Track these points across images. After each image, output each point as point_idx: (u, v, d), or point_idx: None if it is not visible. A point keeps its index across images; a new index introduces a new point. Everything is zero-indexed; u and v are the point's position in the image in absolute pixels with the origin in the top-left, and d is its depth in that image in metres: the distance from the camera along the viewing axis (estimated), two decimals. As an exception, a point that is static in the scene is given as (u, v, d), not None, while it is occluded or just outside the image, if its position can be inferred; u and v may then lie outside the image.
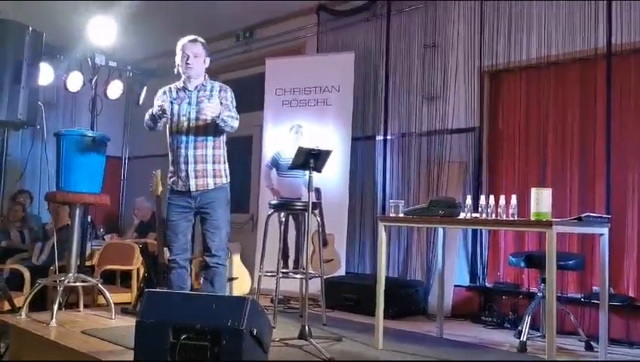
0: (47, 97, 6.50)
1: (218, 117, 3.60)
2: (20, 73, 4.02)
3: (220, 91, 3.83)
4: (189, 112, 3.76)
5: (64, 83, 6.33)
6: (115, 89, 6.72)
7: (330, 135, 5.93)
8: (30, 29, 4.10)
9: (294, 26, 6.92)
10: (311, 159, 3.75)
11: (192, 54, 3.78)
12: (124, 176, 8.97)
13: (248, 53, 7.48)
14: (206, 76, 3.89)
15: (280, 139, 5.98)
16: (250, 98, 7.55)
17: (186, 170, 3.72)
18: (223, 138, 3.84)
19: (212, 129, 3.72)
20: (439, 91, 5.61)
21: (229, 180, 3.86)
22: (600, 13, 4.63)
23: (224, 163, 3.84)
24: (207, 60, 3.87)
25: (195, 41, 3.83)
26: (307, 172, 3.83)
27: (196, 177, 3.72)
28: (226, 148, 3.87)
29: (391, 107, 5.97)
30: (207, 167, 3.74)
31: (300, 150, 3.77)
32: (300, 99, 6.21)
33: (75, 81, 6.38)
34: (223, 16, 7.01)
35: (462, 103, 5.44)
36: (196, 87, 3.82)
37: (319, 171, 3.86)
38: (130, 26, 6.17)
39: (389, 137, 5.95)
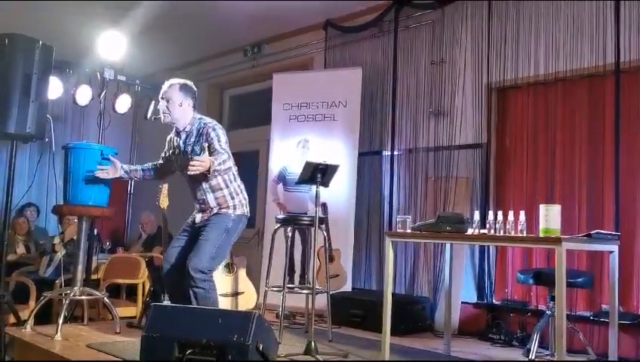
0: (55, 111, 6.55)
1: (209, 172, 3.48)
2: (29, 87, 4.04)
3: (201, 136, 3.69)
4: (182, 161, 3.76)
5: (73, 97, 6.37)
6: (123, 103, 6.75)
7: (337, 150, 5.93)
8: (40, 43, 4.13)
9: (302, 42, 6.96)
10: (318, 174, 3.75)
11: (164, 100, 3.74)
12: (130, 190, 8.98)
13: (256, 68, 7.51)
14: (195, 117, 3.79)
15: (287, 153, 5.98)
16: (257, 113, 7.59)
17: (195, 207, 3.81)
18: (223, 175, 3.71)
19: (203, 178, 3.63)
20: (446, 107, 5.61)
21: (239, 213, 3.74)
22: (608, 29, 4.63)
23: (232, 198, 3.72)
24: (188, 102, 3.75)
25: (171, 85, 3.76)
26: (314, 187, 3.82)
27: (201, 211, 3.76)
28: (236, 184, 3.77)
29: (398, 122, 5.97)
30: (208, 197, 3.71)
31: (308, 165, 3.77)
32: (307, 114, 6.22)
33: (83, 95, 6.42)
34: (231, 32, 7.07)
35: (469, 119, 5.44)
36: (185, 133, 3.78)
37: (326, 186, 3.85)
38: (139, 41, 6.24)
39: (396, 152, 5.95)
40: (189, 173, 3.44)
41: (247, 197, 3.85)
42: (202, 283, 3.55)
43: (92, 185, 4.07)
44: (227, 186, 3.73)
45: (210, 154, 3.55)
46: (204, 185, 3.69)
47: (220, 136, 3.66)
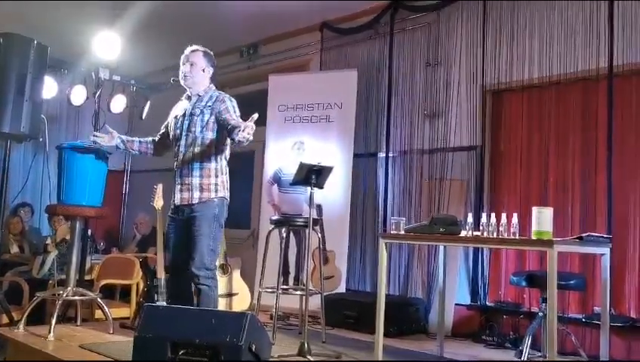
0: (50, 110, 6.54)
1: (204, 159, 3.54)
2: (23, 86, 4.04)
3: (215, 102, 3.68)
4: (182, 123, 3.72)
5: (68, 96, 6.35)
6: (118, 103, 6.74)
7: (332, 151, 5.94)
8: (35, 42, 4.13)
9: (298, 43, 6.96)
10: (312, 175, 3.75)
11: (188, 63, 3.76)
12: (125, 190, 8.97)
13: (252, 69, 7.51)
14: (210, 86, 3.81)
15: (282, 155, 5.99)
16: (252, 114, 7.57)
17: (174, 183, 3.69)
18: (218, 151, 3.67)
19: (202, 141, 3.63)
20: (441, 109, 5.63)
21: (220, 195, 3.64)
22: (602, 33, 4.65)
23: (216, 176, 3.64)
24: (209, 70, 3.79)
25: (195, 50, 3.80)
26: (309, 188, 3.83)
27: (181, 191, 3.63)
28: (224, 163, 3.73)
29: (393, 124, 5.98)
30: (193, 181, 3.60)
31: (302, 166, 3.77)
32: (302, 115, 6.23)
33: (78, 95, 6.40)
34: (227, 32, 7.06)
35: (464, 121, 5.45)
36: (195, 96, 3.76)
37: (321, 187, 3.86)
38: (134, 41, 6.23)
39: (390, 154, 5.96)
40: (241, 139, 3.31)
41: (229, 181, 3.76)
42: (206, 280, 3.55)
43: (86, 185, 4.06)
44: (218, 175, 3.66)
45: (224, 127, 3.56)
46: (196, 163, 3.62)
47: (235, 107, 3.69)
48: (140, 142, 4.00)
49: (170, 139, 3.84)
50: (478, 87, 5.38)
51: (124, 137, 3.96)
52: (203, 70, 3.78)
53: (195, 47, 3.83)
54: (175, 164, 3.73)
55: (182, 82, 3.80)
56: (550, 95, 5.02)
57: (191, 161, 3.64)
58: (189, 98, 3.81)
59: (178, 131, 3.74)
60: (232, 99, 3.75)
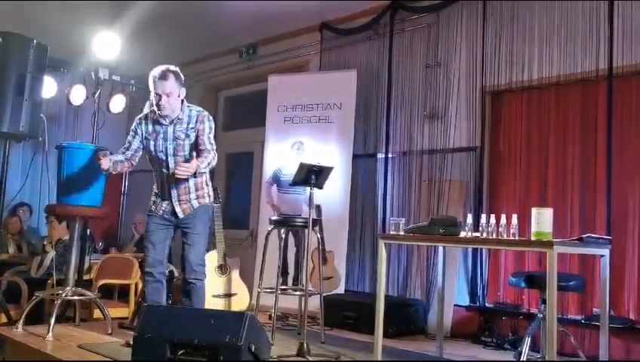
0: (49, 110, 6.52)
1: (195, 173, 3.64)
2: (23, 86, 4.04)
3: (196, 122, 3.74)
4: (166, 148, 3.76)
5: (67, 96, 6.35)
6: (117, 103, 6.73)
7: (331, 152, 5.94)
8: (35, 42, 4.13)
9: (297, 44, 6.96)
10: (312, 175, 3.75)
11: (163, 94, 3.64)
12: (124, 191, 8.96)
13: (251, 70, 7.51)
14: (183, 104, 3.78)
15: (281, 155, 5.99)
16: (252, 114, 7.58)
17: (171, 202, 3.79)
18: None
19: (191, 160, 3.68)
20: (441, 110, 5.62)
21: (211, 200, 3.96)
22: (602, 34, 4.65)
23: (206, 185, 3.89)
24: (182, 91, 3.75)
25: (164, 77, 3.63)
26: (308, 188, 3.83)
27: (180, 204, 3.80)
28: (207, 172, 3.85)
29: (392, 125, 5.98)
30: (191, 196, 3.81)
31: (302, 166, 3.77)
32: (301, 116, 6.23)
33: (78, 95, 6.39)
34: (226, 32, 7.06)
35: (463, 122, 5.45)
36: (172, 120, 3.75)
37: (320, 188, 3.86)
38: (134, 41, 6.22)
39: (390, 155, 5.96)
40: (177, 176, 3.57)
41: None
42: (202, 275, 3.77)
43: (85, 185, 4.05)
44: (207, 184, 3.91)
45: (197, 149, 3.68)
46: (190, 181, 3.76)
47: (212, 128, 3.80)
48: (122, 161, 3.86)
49: (149, 159, 3.89)
50: (478, 88, 5.38)
51: (114, 160, 3.81)
52: (179, 95, 3.74)
53: (162, 71, 3.65)
54: (160, 183, 3.82)
55: (158, 113, 3.73)
56: (550, 96, 5.03)
57: (185, 181, 3.75)
58: (159, 123, 3.76)
59: (162, 155, 3.78)
60: (211, 119, 3.83)
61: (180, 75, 3.77)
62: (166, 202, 3.80)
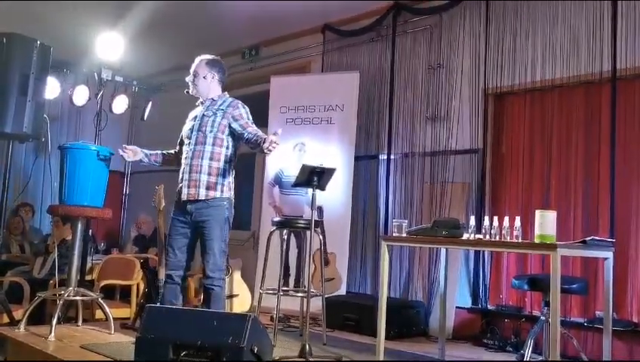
0: (52, 111, 6.53)
1: (211, 156, 3.66)
2: (26, 86, 4.04)
3: (228, 106, 3.79)
4: (193, 126, 3.79)
5: (70, 97, 6.37)
6: (120, 104, 6.75)
7: (333, 153, 5.94)
8: (38, 42, 4.13)
9: (300, 45, 6.97)
10: (315, 177, 3.75)
11: (192, 74, 3.88)
12: (126, 191, 8.97)
13: (254, 71, 7.52)
14: (225, 93, 3.91)
15: (283, 156, 5.98)
16: (254, 115, 7.55)
17: (181, 179, 3.74)
18: (227, 152, 3.73)
19: (213, 141, 3.70)
20: (443, 112, 5.62)
21: (227, 196, 3.70)
22: (605, 37, 4.65)
23: (223, 177, 3.69)
24: (214, 75, 3.86)
25: (199, 59, 3.90)
26: (310, 190, 3.82)
27: (188, 186, 3.67)
28: (231, 164, 3.77)
29: (394, 127, 5.98)
30: (201, 178, 3.65)
31: (304, 167, 3.77)
32: (304, 117, 6.23)
33: (81, 96, 6.41)
34: (229, 34, 7.07)
35: (466, 124, 5.45)
36: (206, 102, 3.85)
37: (323, 189, 3.85)
38: (137, 42, 6.24)
39: (392, 157, 5.95)
40: (267, 151, 3.47)
41: (234, 182, 3.83)
42: (219, 281, 3.64)
43: (88, 185, 4.05)
44: (224, 175, 3.72)
45: (242, 135, 3.69)
46: (205, 161, 3.68)
47: (249, 113, 3.83)
48: (163, 154, 4.04)
49: (181, 144, 3.92)
50: (481, 90, 5.38)
51: (147, 151, 3.99)
52: (205, 77, 3.85)
53: (200, 56, 3.93)
54: (183, 161, 3.78)
55: (190, 91, 3.91)
56: (553, 98, 5.02)
57: (200, 159, 3.69)
58: (202, 103, 3.89)
59: (189, 131, 3.81)
60: (245, 106, 3.86)
61: (214, 61, 3.91)
62: (180, 185, 3.74)
